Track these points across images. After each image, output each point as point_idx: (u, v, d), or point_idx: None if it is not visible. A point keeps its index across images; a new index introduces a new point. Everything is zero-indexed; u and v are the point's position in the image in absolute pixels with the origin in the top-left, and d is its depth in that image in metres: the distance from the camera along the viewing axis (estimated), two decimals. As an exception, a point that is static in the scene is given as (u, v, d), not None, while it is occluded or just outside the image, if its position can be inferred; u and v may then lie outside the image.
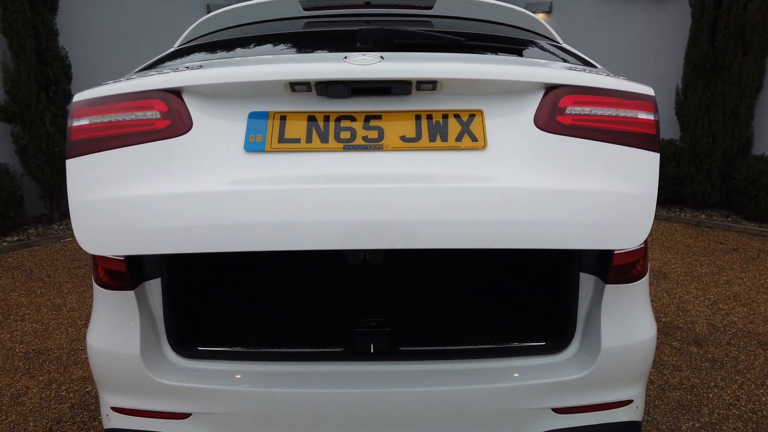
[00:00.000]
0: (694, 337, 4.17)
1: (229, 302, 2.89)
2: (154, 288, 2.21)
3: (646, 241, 2.29)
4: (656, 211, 7.53)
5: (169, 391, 2.14)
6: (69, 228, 6.97)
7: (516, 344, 2.32)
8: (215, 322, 2.62)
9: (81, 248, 6.22)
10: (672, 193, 7.64)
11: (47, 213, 7.20)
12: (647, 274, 2.31)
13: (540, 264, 2.94)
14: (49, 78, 6.70)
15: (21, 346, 4.12)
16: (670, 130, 7.82)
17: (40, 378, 3.70)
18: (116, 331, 2.19)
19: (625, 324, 2.23)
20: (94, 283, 2.23)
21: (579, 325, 2.26)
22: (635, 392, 2.27)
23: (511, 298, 2.90)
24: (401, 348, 2.28)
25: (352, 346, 2.28)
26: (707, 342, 4.09)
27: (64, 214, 7.32)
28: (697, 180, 7.30)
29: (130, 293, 2.17)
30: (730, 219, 7.17)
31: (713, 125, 7.12)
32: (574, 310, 2.26)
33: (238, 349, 2.32)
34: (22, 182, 6.75)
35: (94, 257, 2.21)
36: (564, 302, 2.30)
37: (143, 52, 7.45)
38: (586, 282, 2.24)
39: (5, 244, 6.38)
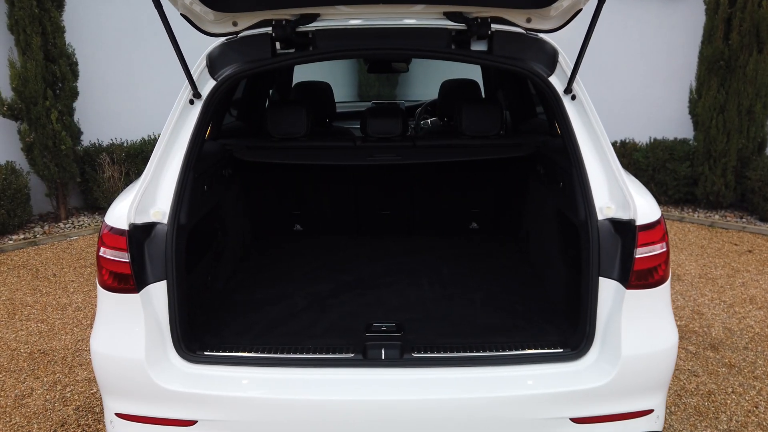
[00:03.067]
0: (710, 341, 4.08)
1: (236, 307, 2.83)
2: (159, 291, 2.16)
3: (667, 245, 2.21)
4: (668, 211, 7.42)
5: (174, 398, 2.09)
6: (75, 226, 6.94)
7: (532, 351, 2.25)
8: (222, 327, 2.57)
9: (87, 247, 6.21)
10: (685, 194, 7.53)
11: (53, 211, 7.17)
12: (669, 279, 2.23)
13: (558, 268, 2.87)
14: (55, 75, 6.66)
15: (26, 346, 4.08)
16: (683, 130, 7.70)
17: (45, 379, 3.66)
18: (120, 335, 2.14)
19: (647, 331, 2.17)
20: (99, 286, 2.18)
21: (598, 331, 2.19)
22: (656, 401, 2.20)
23: (527, 304, 2.83)
24: (413, 355, 2.21)
25: (363, 353, 2.22)
26: (724, 346, 4.00)
27: (71, 213, 7.29)
28: (711, 180, 7.19)
29: (135, 296, 2.12)
30: (744, 220, 7.06)
31: (728, 124, 7.01)
32: (593, 316, 2.18)
33: (245, 354, 2.26)
34: (29, 180, 6.72)
35: (99, 259, 2.15)
36: (583, 308, 2.23)
37: (150, 49, 7.42)
38: (606, 287, 2.17)
39: (11, 242, 6.36)
